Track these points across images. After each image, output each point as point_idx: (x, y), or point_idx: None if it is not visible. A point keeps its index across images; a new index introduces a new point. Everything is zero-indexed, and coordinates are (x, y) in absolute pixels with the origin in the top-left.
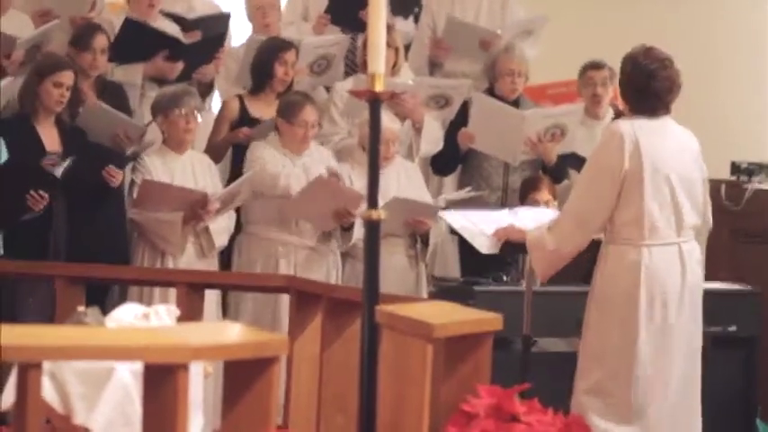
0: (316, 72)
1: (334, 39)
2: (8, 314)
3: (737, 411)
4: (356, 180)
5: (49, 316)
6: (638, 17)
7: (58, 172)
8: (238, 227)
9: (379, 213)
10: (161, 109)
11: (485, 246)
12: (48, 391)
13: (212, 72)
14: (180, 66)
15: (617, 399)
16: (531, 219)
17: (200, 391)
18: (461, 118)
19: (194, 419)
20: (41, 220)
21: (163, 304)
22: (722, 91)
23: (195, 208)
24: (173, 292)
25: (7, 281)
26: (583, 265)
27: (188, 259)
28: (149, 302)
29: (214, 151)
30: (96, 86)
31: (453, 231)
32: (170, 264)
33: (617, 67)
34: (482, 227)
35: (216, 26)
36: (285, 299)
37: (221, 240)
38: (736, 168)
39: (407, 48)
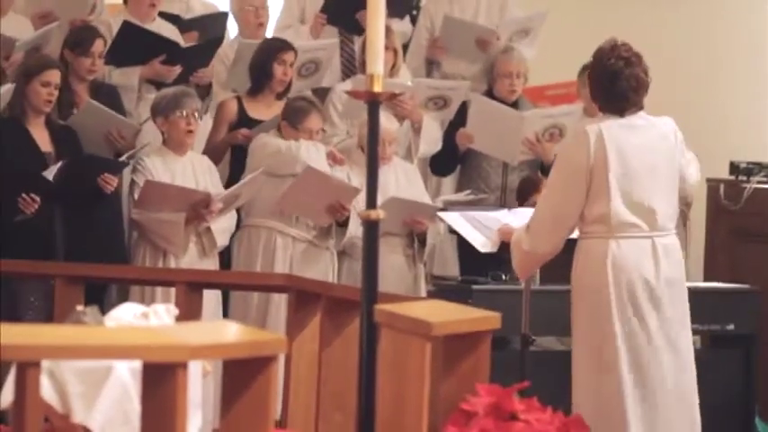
0: (303, 75)
1: (323, 44)
2: (8, 314)
3: (736, 410)
4: (355, 181)
5: (47, 315)
6: (638, 17)
7: (49, 174)
8: (239, 224)
9: (378, 213)
10: (161, 110)
11: (483, 244)
12: (46, 390)
13: (210, 75)
14: (178, 69)
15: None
16: None
17: (198, 389)
18: (460, 118)
19: (193, 418)
20: (40, 221)
21: (162, 304)
22: (722, 91)
23: (198, 208)
24: (174, 291)
25: (7, 281)
26: None
27: (190, 259)
28: (151, 302)
29: (213, 153)
30: (90, 88)
31: (452, 231)
32: (172, 264)
33: None
34: (487, 224)
35: (213, 26)
36: (279, 297)
37: (223, 240)
38: (735, 168)
39: (405, 48)
